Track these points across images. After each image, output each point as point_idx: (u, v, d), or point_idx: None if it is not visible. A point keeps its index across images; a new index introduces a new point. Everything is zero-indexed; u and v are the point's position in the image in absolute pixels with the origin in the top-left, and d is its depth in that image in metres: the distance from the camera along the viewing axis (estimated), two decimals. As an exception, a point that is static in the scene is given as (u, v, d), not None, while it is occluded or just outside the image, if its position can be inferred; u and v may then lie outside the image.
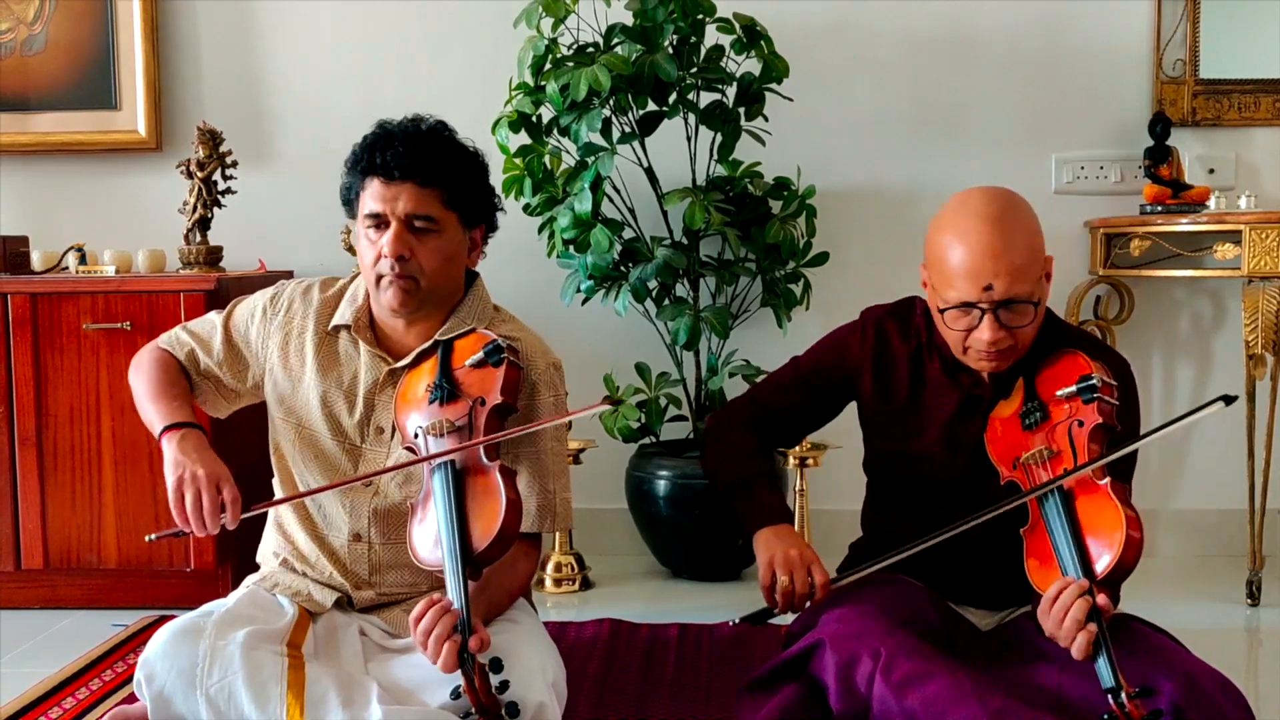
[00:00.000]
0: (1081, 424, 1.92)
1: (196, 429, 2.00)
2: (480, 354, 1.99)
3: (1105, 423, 1.91)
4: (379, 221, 2.00)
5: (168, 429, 1.98)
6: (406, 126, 2.04)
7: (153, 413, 2.04)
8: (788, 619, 2.07)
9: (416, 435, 1.97)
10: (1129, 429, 2.00)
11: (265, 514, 2.11)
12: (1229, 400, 1.86)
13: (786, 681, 1.93)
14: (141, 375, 2.11)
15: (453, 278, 2.08)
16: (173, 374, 2.11)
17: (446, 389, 1.98)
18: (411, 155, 1.98)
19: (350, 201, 2.07)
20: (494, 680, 1.72)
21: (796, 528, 2.71)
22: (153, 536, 1.99)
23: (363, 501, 2.05)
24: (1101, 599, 1.76)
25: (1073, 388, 1.94)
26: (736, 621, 2.04)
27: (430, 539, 1.89)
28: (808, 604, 1.99)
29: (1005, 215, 1.92)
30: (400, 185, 1.98)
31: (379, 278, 2.01)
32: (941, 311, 1.96)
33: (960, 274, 1.90)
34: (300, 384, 2.10)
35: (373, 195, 2.00)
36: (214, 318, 2.18)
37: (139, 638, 2.64)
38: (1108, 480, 1.86)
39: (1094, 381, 1.92)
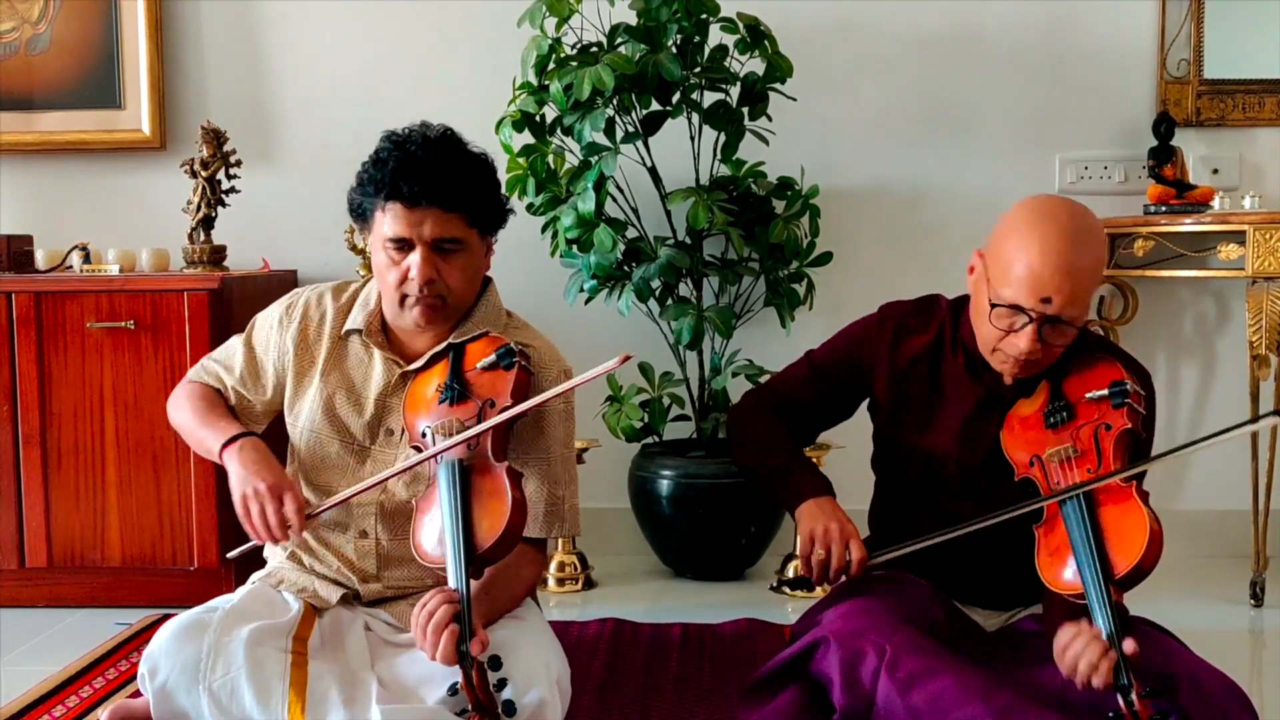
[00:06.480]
0: (1109, 428, 1.92)
1: (252, 436, 2.05)
2: (492, 356, 1.99)
3: (1133, 428, 1.92)
4: (403, 244, 1.98)
5: (225, 445, 2.02)
6: (425, 146, 1.99)
7: (206, 437, 2.08)
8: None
9: (424, 434, 1.97)
10: (1149, 439, 2.01)
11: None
12: None
13: (788, 683, 1.92)
14: (181, 410, 2.15)
15: (476, 288, 2.10)
16: (210, 397, 2.15)
17: (457, 390, 1.98)
18: (437, 182, 1.95)
19: (363, 215, 2.04)
20: (492, 678, 1.72)
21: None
22: (232, 554, 2.09)
23: (368, 500, 2.05)
24: (1129, 645, 1.71)
25: (1104, 391, 1.95)
26: (775, 585, 2.07)
27: (434, 536, 1.89)
28: (844, 578, 1.99)
29: (1086, 236, 1.90)
30: (425, 210, 1.96)
31: (404, 297, 2.00)
32: (992, 306, 1.93)
33: (1024, 277, 1.88)
34: (310, 388, 2.10)
35: (395, 218, 1.97)
36: (235, 340, 2.20)
37: (142, 636, 2.64)
38: (1132, 483, 1.88)
39: (1126, 387, 1.94)
